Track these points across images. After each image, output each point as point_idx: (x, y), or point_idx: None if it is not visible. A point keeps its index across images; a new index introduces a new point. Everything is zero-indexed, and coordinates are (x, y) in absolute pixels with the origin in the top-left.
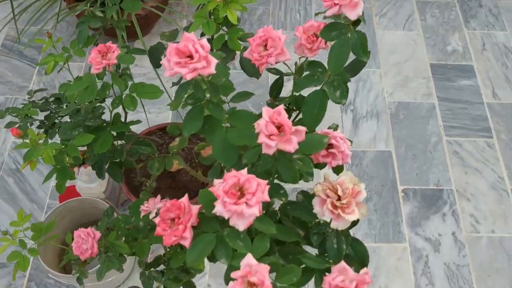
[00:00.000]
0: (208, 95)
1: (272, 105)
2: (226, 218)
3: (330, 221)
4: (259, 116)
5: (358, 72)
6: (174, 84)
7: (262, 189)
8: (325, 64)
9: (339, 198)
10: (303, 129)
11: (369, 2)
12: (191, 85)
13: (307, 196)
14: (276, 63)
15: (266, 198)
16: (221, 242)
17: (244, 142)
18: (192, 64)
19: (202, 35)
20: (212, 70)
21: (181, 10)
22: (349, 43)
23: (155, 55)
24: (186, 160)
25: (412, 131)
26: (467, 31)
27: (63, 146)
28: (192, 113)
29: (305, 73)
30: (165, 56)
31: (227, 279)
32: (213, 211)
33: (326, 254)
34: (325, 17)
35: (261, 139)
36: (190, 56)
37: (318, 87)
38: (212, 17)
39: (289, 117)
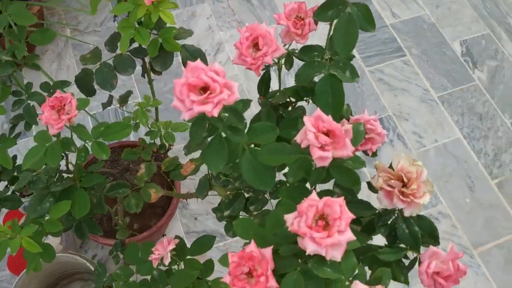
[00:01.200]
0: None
1: (265, 103)
2: (324, 254)
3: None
4: (282, 122)
5: (354, 45)
6: (105, 106)
7: (345, 209)
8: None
9: (404, 185)
10: (349, 127)
11: None
12: (205, 120)
13: (343, 189)
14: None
15: (351, 215)
16: (308, 277)
17: (278, 160)
18: (216, 97)
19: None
20: (237, 95)
21: (60, 19)
22: (354, 19)
23: (85, 83)
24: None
25: None
26: None
27: (38, 226)
28: (213, 146)
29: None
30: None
31: None
32: (308, 252)
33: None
34: None
35: (316, 154)
36: (206, 88)
37: (324, 73)
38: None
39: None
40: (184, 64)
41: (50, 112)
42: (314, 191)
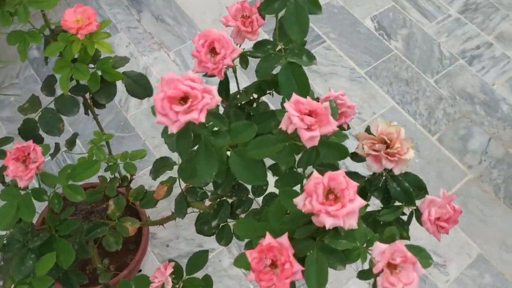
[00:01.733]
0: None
1: (230, 106)
2: (342, 225)
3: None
4: (252, 119)
5: (307, 30)
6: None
7: (348, 179)
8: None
9: (388, 146)
10: (327, 104)
11: None
12: (190, 130)
13: (325, 166)
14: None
15: (356, 183)
16: (327, 253)
17: (267, 152)
18: (200, 103)
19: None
20: (218, 97)
21: None
22: (301, 5)
23: (30, 134)
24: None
25: None
26: None
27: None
28: (201, 154)
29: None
30: (153, 112)
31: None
32: (328, 226)
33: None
34: None
35: (305, 135)
36: (186, 98)
37: (282, 63)
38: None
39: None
40: (129, 92)
41: (15, 165)
42: (314, 170)
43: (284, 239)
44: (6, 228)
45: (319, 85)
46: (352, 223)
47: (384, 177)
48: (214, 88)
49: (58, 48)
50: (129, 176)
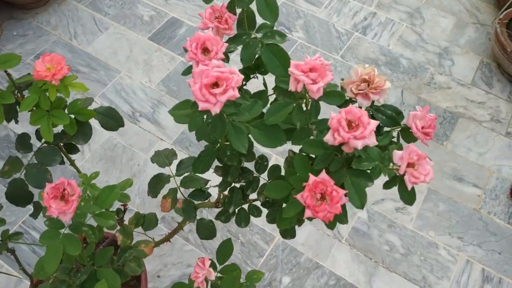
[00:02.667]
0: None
1: None
2: (369, 143)
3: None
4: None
5: (278, 12)
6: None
7: (359, 109)
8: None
9: (369, 84)
10: (319, 62)
11: None
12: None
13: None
14: None
15: (365, 111)
16: (357, 176)
17: (282, 114)
18: (233, 82)
19: None
20: (241, 75)
21: None
22: None
23: (20, 194)
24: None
25: None
26: None
27: None
28: (232, 132)
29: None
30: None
31: None
32: (360, 147)
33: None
34: None
35: (314, 88)
36: (216, 83)
37: (260, 47)
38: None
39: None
40: (104, 127)
41: (56, 203)
42: (331, 112)
43: (323, 174)
44: (53, 272)
45: None
46: (373, 140)
47: (370, 112)
48: (236, 69)
49: (34, 101)
50: (122, 207)
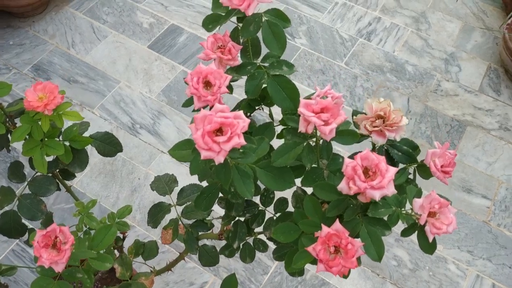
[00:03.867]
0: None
1: None
2: (387, 193)
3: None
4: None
5: (285, 43)
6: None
7: (376, 154)
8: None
9: (384, 120)
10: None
11: None
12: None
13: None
14: None
15: (383, 156)
16: (373, 224)
17: (291, 156)
18: (238, 129)
19: None
20: (247, 119)
21: None
22: (274, 22)
23: (12, 226)
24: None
25: None
26: None
27: None
28: (237, 177)
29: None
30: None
31: None
32: (378, 198)
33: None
34: None
35: (326, 130)
36: (220, 129)
37: (266, 78)
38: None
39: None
40: (101, 153)
41: (48, 253)
42: (345, 157)
43: (337, 225)
44: None
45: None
46: (392, 189)
47: (385, 148)
48: (241, 113)
49: (26, 131)
50: (122, 235)
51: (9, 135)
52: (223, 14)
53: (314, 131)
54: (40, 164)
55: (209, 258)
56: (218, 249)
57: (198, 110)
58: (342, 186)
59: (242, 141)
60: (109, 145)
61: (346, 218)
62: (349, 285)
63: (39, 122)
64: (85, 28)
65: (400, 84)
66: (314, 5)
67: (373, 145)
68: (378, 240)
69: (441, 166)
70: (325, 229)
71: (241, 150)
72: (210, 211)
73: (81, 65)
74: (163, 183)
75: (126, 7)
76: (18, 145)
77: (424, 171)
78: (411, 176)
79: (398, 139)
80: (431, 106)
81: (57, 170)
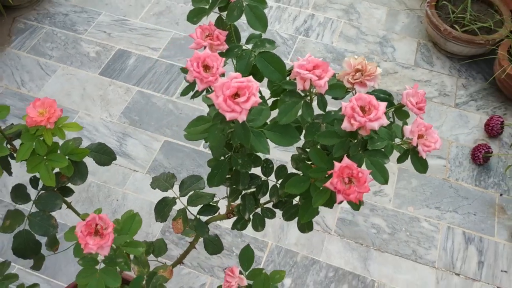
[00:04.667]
0: None
1: None
2: (383, 124)
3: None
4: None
5: (267, 22)
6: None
7: (368, 95)
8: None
9: (362, 72)
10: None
11: None
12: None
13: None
14: None
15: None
16: (374, 155)
17: (293, 113)
18: (253, 89)
19: None
20: (257, 82)
21: None
22: (254, 5)
23: (27, 246)
24: None
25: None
26: None
27: None
28: (253, 138)
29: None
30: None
31: None
32: (377, 128)
33: None
34: None
35: (320, 83)
36: (237, 93)
37: (253, 56)
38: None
39: None
40: (98, 163)
41: (93, 239)
42: (342, 102)
43: (346, 160)
44: None
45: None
46: (385, 120)
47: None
48: (251, 77)
49: (30, 148)
50: None
51: (8, 158)
52: (206, 7)
53: (308, 90)
54: (47, 178)
55: (214, 247)
56: (219, 238)
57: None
58: (346, 125)
59: (258, 99)
60: (104, 154)
61: (351, 153)
62: (337, 259)
63: (41, 138)
64: (32, 66)
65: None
66: None
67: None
68: (381, 167)
69: (416, 103)
70: (337, 164)
71: (251, 117)
72: (213, 195)
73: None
74: (162, 181)
75: (69, 40)
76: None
77: (401, 113)
78: (391, 120)
79: (376, 86)
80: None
81: (56, 189)
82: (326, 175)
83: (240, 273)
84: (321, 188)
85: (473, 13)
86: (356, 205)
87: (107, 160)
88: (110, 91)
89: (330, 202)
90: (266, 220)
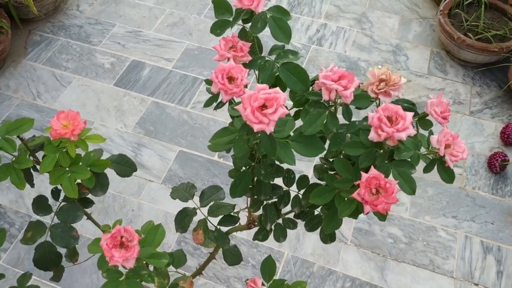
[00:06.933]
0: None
1: None
2: (411, 134)
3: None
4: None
5: (290, 33)
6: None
7: (394, 105)
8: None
9: (386, 83)
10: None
11: None
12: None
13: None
14: None
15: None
16: (400, 166)
17: (318, 124)
18: (280, 100)
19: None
20: (284, 94)
21: None
22: (278, 17)
23: (49, 257)
24: None
25: None
26: None
27: None
28: (280, 149)
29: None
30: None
31: None
32: (404, 138)
33: None
34: None
35: (346, 93)
36: (265, 104)
37: (276, 67)
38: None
39: None
40: (119, 174)
41: (118, 252)
42: (368, 113)
43: (373, 170)
44: None
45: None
46: (412, 130)
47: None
48: (278, 89)
49: (54, 160)
50: None
51: (31, 170)
52: (230, 18)
53: (333, 101)
54: (70, 190)
55: (233, 257)
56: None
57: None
58: (373, 135)
59: (285, 110)
60: (124, 165)
61: (378, 164)
62: (355, 269)
63: (64, 150)
64: (48, 78)
65: (358, 79)
66: None
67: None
68: (408, 177)
69: (441, 113)
70: (364, 175)
71: (276, 128)
72: (234, 205)
73: (51, 113)
74: (182, 192)
75: (84, 52)
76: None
77: (424, 122)
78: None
79: (400, 96)
80: None
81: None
82: (352, 186)
83: (262, 284)
84: (347, 199)
85: (487, 21)
86: (383, 216)
87: (127, 171)
88: (125, 101)
89: (355, 213)
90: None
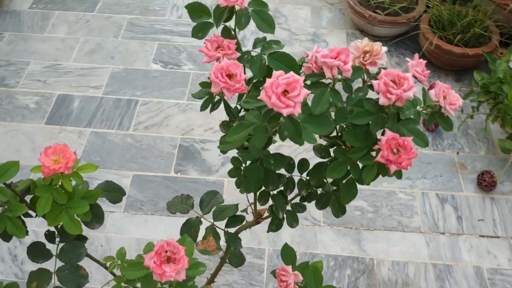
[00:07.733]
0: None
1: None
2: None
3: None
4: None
5: (274, 25)
6: None
7: (395, 70)
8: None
9: (370, 54)
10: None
11: None
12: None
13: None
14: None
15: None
16: (407, 123)
17: (325, 102)
18: (301, 81)
19: None
20: (300, 77)
21: None
22: (261, 10)
23: None
24: None
25: None
26: None
27: None
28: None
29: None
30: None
31: None
32: (412, 96)
33: None
34: None
35: (346, 67)
36: (287, 90)
37: (264, 58)
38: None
39: None
40: (111, 201)
41: (169, 267)
42: (372, 81)
43: (389, 132)
44: None
45: (174, 125)
46: (415, 89)
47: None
48: (293, 73)
49: (49, 199)
50: None
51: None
52: (209, 20)
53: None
54: (73, 227)
55: (237, 259)
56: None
57: None
58: (383, 101)
59: (307, 90)
60: (113, 192)
61: (389, 126)
62: (334, 247)
63: (57, 187)
64: None
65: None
66: (182, 33)
67: (363, 81)
68: (419, 132)
69: (422, 71)
70: (383, 138)
71: None
72: (237, 205)
73: None
74: (180, 204)
75: (2, 96)
76: None
77: None
78: None
79: (384, 64)
80: None
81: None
82: (365, 153)
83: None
84: (366, 165)
85: None
86: (400, 174)
87: (118, 197)
88: (62, 138)
89: (382, 172)
90: (257, 226)
